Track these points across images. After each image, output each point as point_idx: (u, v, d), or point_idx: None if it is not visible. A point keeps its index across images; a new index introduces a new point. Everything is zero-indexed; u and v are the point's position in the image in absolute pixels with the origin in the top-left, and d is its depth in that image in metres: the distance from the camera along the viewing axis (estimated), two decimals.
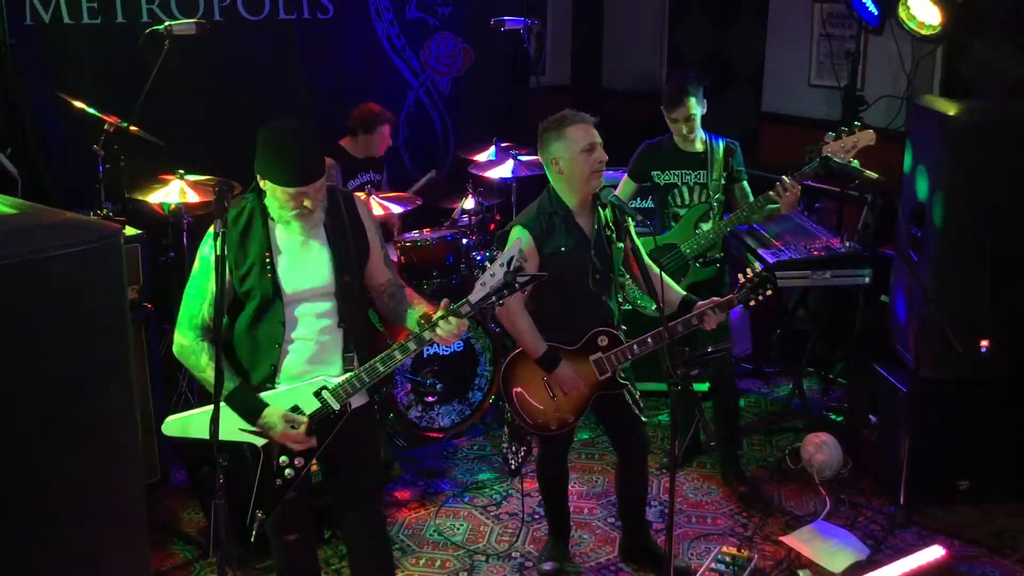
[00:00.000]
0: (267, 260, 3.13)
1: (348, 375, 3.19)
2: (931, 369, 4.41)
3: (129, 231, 4.44)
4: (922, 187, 4.51)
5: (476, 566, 4.27)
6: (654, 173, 4.76)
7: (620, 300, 4.02)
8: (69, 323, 2.43)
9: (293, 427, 3.12)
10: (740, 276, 3.83)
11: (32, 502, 2.43)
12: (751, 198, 4.67)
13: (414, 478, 4.99)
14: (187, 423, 3.21)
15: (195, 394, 5.04)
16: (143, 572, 2.78)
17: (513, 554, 4.35)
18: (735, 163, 4.72)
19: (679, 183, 4.72)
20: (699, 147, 4.70)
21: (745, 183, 4.74)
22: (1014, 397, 4.55)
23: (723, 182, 4.69)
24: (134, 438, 2.66)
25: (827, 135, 4.46)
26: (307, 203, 3.06)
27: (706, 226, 4.68)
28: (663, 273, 3.68)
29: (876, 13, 5.44)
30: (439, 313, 3.11)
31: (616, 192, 4.76)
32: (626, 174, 4.89)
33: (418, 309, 3.25)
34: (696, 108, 4.58)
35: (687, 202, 4.72)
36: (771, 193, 4.42)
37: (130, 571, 2.68)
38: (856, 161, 4.40)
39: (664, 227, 4.78)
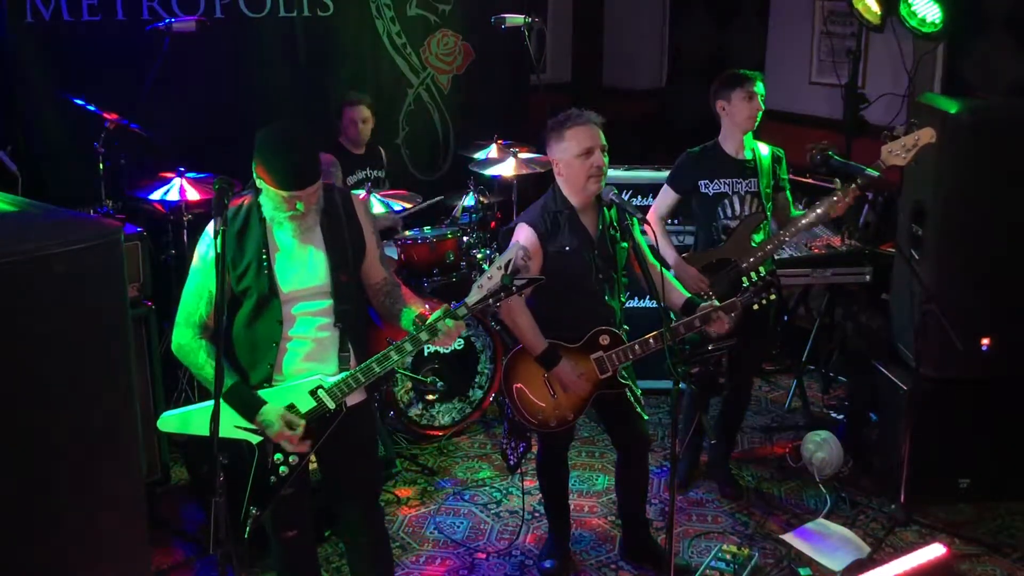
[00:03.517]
0: (264, 259, 3.14)
1: (344, 375, 3.19)
2: (932, 367, 4.41)
3: (129, 229, 4.44)
4: (923, 185, 4.50)
5: (476, 564, 4.27)
6: (701, 183, 4.49)
7: (623, 300, 4.01)
8: (69, 321, 2.43)
9: (290, 427, 3.12)
10: (744, 279, 3.83)
11: (32, 500, 2.43)
12: (792, 208, 4.55)
13: (414, 476, 4.99)
14: (183, 419, 3.21)
15: (195, 392, 5.05)
16: (143, 570, 2.78)
17: (513, 552, 4.35)
18: (781, 172, 4.54)
19: (730, 192, 4.47)
20: (747, 154, 4.47)
21: (788, 192, 4.57)
22: (1014, 395, 4.55)
23: (770, 191, 4.49)
24: (134, 436, 2.66)
25: (884, 133, 4.29)
26: (299, 206, 3.07)
27: (758, 237, 4.43)
28: (665, 273, 3.68)
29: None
30: (436, 314, 3.11)
31: (655, 203, 4.71)
32: (666, 185, 4.62)
33: (413, 309, 3.26)
34: (763, 92, 4.39)
35: (738, 213, 4.47)
36: (836, 202, 4.24)
37: (131, 569, 2.69)
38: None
39: (712, 240, 4.51)
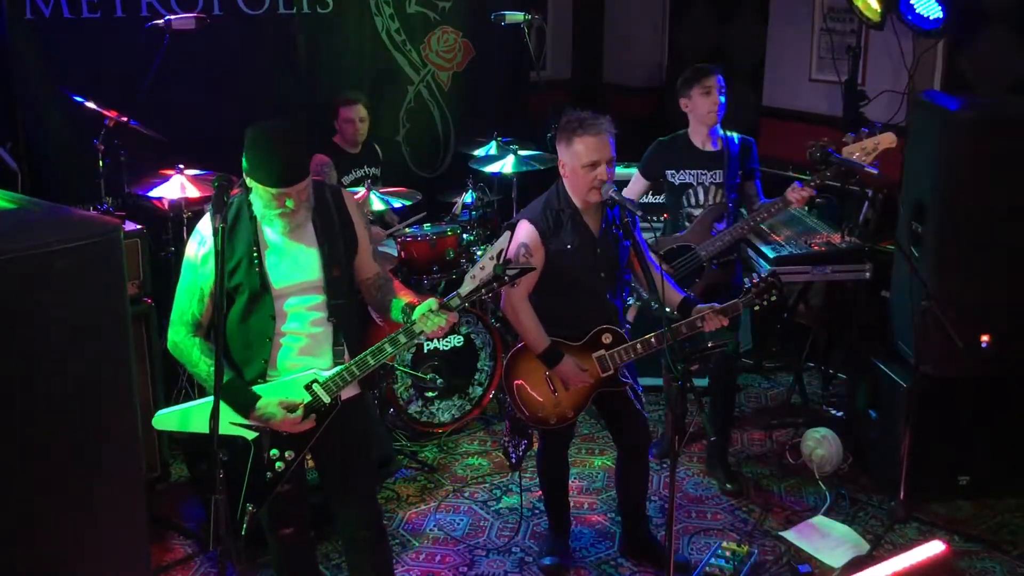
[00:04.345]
0: (255, 255, 3.14)
1: (338, 368, 3.19)
2: (932, 365, 4.41)
3: (129, 226, 4.44)
4: (923, 182, 4.50)
5: (476, 561, 4.27)
6: (668, 172, 4.64)
7: (626, 299, 4.01)
8: (69, 318, 2.43)
9: (290, 411, 3.13)
10: (746, 280, 3.84)
11: (31, 496, 2.43)
12: (761, 196, 4.63)
13: (414, 473, 4.99)
14: (178, 417, 3.21)
15: (195, 389, 5.05)
16: (143, 566, 2.79)
17: (513, 549, 4.36)
18: (749, 161, 4.64)
19: (694, 183, 4.60)
20: (714, 145, 4.60)
21: (758, 182, 4.67)
22: (1014, 392, 4.55)
23: (738, 181, 4.60)
24: (134, 432, 2.66)
25: (847, 136, 4.39)
26: (288, 203, 3.07)
27: (721, 226, 4.57)
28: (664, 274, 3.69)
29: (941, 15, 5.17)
30: (425, 304, 3.11)
31: (627, 189, 4.76)
32: (638, 171, 4.78)
33: (402, 299, 3.27)
34: (724, 84, 4.52)
35: (702, 202, 4.60)
36: (788, 197, 4.35)
37: (130, 565, 2.69)
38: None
39: (678, 227, 4.66)
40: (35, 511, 2.44)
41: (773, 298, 3.80)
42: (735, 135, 4.65)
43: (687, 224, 4.63)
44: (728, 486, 4.78)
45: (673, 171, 4.64)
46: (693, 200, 4.62)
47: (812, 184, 4.35)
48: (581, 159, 3.69)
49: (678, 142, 4.67)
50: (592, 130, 3.70)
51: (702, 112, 4.54)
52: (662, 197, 4.92)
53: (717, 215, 4.58)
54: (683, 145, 4.64)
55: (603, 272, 3.86)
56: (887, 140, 4.32)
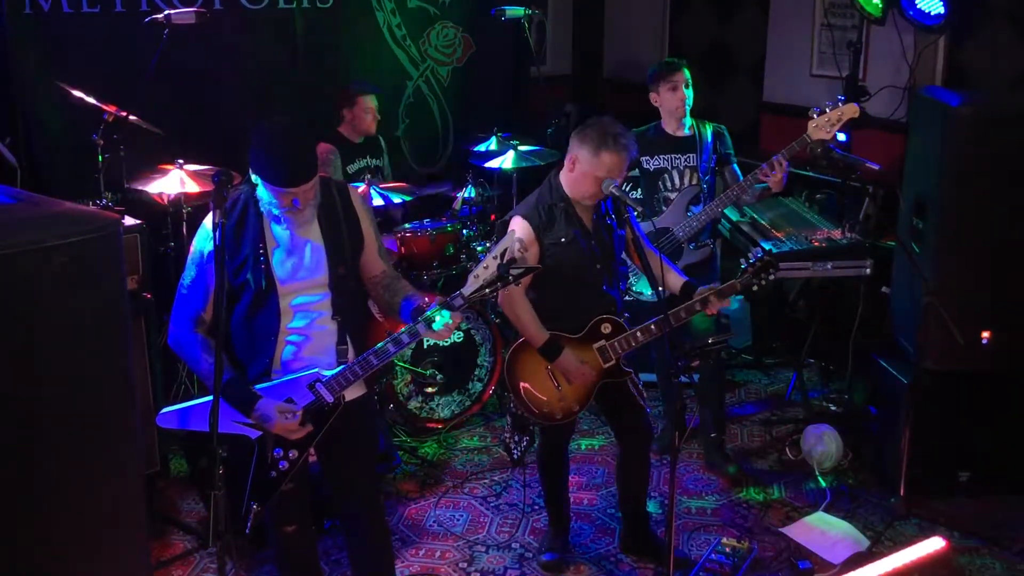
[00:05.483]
0: (261, 253, 3.13)
1: (342, 368, 3.18)
2: (932, 361, 4.40)
3: (128, 221, 4.43)
4: (924, 178, 4.50)
5: (476, 556, 4.27)
6: (643, 159, 4.79)
7: (622, 289, 4.01)
8: (68, 314, 2.42)
9: (287, 417, 3.12)
10: (742, 260, 3.82)
11: (31, 492, 2.43)
12: (740, 179, 4.74)
13: (414, 469, 4.99)
14: (183, 415, 3.20)
15: (194, 384, 5.05)
16: (143, 562, 2.78)
17: (513, 544, 4.36)
18: (723, 147, 4.81)
19: (669, 167, 4.77)
20: (687, 131, 4.77)
21: (735, 166, 4.82)
22: (1015, 388, 4.54)
23: (712, 165, 4.76)
24: (133, 428, 2.65)
25: (812, 111, 4.55)
26: (296, 202, 3.06)
27: (697, 208, 4.72)
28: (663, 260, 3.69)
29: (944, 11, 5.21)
30: (433, 306, 3.11)
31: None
32: None
33: (412, 301, 3.25)
34: (689, 77, 4.69)
35: (677, 186, 4.77)
36: (758, 173, 4.51)
37: (130, 561, 2.69)
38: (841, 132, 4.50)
39: (653, 212, 4.81)
40: (35, 507, 2.43)
41: (771, 277, 3.77)
42: (708, 124, 4.83)
43: (663, 208, 4.78)
44: (730, 470, 4.79)
45: (648, 158, 4.79)
46: (669, 184, 4.78)
47: (783, 157, 4.47)
48: (598, 171, 3.69)
49: (652, 130, 4.85)
50: (623, 150, 3.68)
51: (670, 107, 4.75)
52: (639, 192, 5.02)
53: (692, 197, 4.75)
54: (656, 133, 4.83)
55: (599, 263, 3.86)
56: (850, 111, 4.48)
